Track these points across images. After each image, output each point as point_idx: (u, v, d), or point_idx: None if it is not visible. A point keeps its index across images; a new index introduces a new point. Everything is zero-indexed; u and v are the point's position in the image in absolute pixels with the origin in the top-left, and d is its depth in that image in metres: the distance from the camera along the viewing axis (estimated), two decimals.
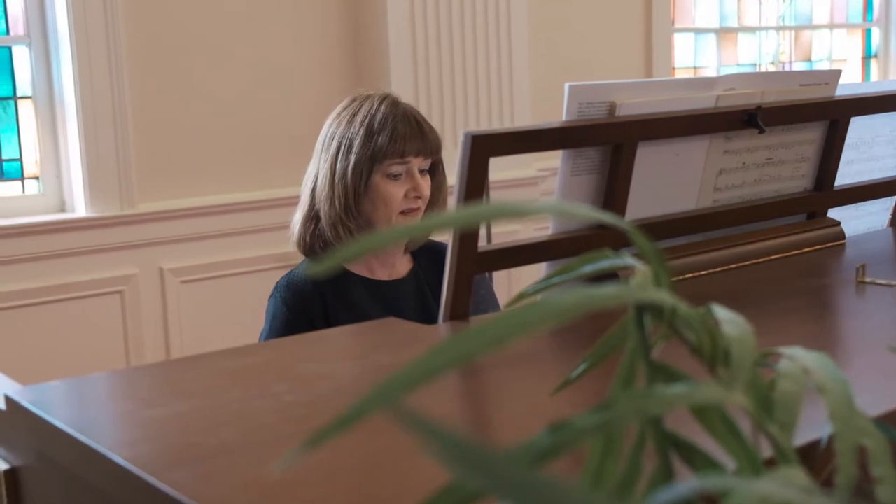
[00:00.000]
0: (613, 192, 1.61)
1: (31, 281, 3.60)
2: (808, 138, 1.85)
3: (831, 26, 5.78)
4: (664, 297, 0.76)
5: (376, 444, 1.03)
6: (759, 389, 0.87)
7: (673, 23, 5.08)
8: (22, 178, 3.75)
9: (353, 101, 2.17)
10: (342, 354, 1.39)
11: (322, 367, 1.31)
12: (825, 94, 1.84)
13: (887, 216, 2.11)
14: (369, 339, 1.47)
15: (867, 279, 1.61)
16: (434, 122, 4.17)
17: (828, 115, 1.82)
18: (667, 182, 1.71)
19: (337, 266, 0.59)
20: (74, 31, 3.60)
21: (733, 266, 1.75)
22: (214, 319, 3.84)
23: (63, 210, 3.76)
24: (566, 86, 1.55)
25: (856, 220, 2.03)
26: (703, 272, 1.71)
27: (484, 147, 1.46)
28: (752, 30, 5.45)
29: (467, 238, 1.49)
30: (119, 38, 3.68)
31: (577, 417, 0.69)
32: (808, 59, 5.67)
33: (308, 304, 2.10)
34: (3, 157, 3.71)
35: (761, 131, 1.71)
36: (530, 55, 4.40)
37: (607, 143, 1.58)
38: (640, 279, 0.84)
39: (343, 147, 2.11)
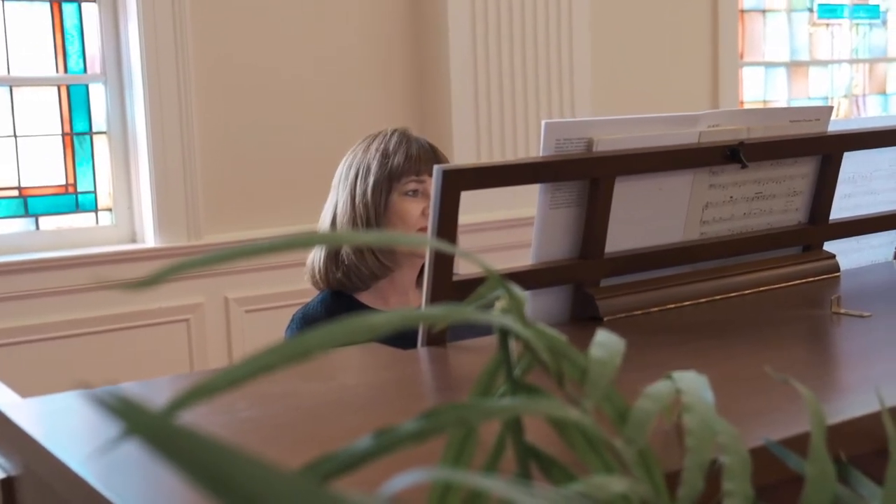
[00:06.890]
0: (592, 226, 1.67)
1: (103, 308, 3.77)
2: (800, 172, 1.88)
3: None
4: (503, 320, 0.83)
5: (313, 446, 1.10)
6: (616, 407, 0.93)
7: (741, 56, 5.08)
8: (96, 209, 3.93)
9: (367, 137, 2.28)
10: (313, 375, 1.47)
11: (288, 387, 1.39)
12: (816, 131, 1.87)
13: (892, 249, 2.12)
14: (346, 361, 1.55)
15: (841, 310, 1.64)
16: (494, 157, 4.26)
17: (812, 150, 1.85)
18: (651, 215, 1.76)
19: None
20: (146, 70, 3.79)
21: (718, 297, 1.79)
22: None
23: (133, 241, 3.93)
24: (542, 122, 1.62)
25: (857, 252, 2.04)
26: (687, 303, 1.76)
27: (456, 181, 1.54)
28: (823, 63, 5.41)
29: (442, 267, 1.56)
30: (189, 77, 3.85)
31: (402, 424, 0.77)
32: (883, 92, 5.61)
33: None
34: (79, 189, 3.90)
35: (744, 166, 1.75)
36: (593, 87, 4.46)
37: (581, 178, 1.64)
38: (502, 307, 0.92)
39: (361, 172, 2.22)
